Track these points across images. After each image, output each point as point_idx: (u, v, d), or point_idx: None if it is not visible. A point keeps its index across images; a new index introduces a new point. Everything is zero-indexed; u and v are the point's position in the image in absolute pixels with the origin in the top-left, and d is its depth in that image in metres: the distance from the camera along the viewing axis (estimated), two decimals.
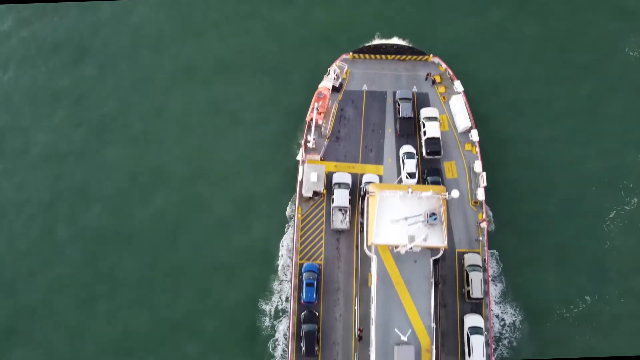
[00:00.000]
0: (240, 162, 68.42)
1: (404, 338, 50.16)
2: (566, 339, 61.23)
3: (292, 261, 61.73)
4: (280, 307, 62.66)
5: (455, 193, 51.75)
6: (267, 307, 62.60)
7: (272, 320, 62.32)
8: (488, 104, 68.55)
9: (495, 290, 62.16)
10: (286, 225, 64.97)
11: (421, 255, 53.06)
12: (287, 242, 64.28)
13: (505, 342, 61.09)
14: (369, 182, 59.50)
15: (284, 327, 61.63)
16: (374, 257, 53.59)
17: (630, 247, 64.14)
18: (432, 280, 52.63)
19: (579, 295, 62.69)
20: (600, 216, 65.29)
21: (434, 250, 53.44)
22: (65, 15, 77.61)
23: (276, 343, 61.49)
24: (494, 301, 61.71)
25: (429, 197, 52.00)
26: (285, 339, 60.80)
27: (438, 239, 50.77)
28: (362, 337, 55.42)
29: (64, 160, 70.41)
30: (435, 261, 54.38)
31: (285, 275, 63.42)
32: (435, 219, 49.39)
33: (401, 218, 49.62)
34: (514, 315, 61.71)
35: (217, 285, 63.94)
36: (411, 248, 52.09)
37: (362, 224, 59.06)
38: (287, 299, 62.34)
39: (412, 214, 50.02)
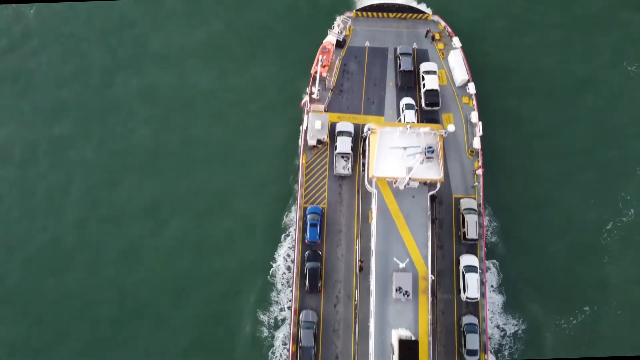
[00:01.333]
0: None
1: (402, 265, 53.41)
2: (565, 348, 62.38)
3: (292, 264, 63.59)
4: (279, 318, 63.73)
5: (451, 127, 54.75)
6: (266, 318, 63.73)
7: (271, 330, 63.52)
8: (486, 59, 71.48)
9: (496, 301, 63.49)
10: (282, 236, 65.84)
11: (419, 191, 56.33)
12: (285, 250, 65.41)
13: (506, 353, 62.57)
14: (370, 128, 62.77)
15: (282, 336, 62.84)
16: (374, 191, 56.81)
17: (628, 258, 65.55)
18: (429, 214, 55.85)
19: (579, 306, 63.86)
20: (599, 228, 66.57)
21: (431, 186, 56.65)
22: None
23: (275, 352, 62.53)
24: (496, 311, 63.32)
25: (427, 133, 55.19)
26: (285, 347, 61.95)
27: (435, 173, 54.00)
28: (363, 268, 58.85)
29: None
30: (433, 198, 57.59)
31: (283, 285, 64.52)
32: (432, 151, 52.49)
33: (400, 147, 52.71)
34: (516, 325, 63.19)
35: (216, 294, 64.80)
36: (408, 184, 55.33)
37: (363, 164, 62.31)
38: (288, 308, 63.33)
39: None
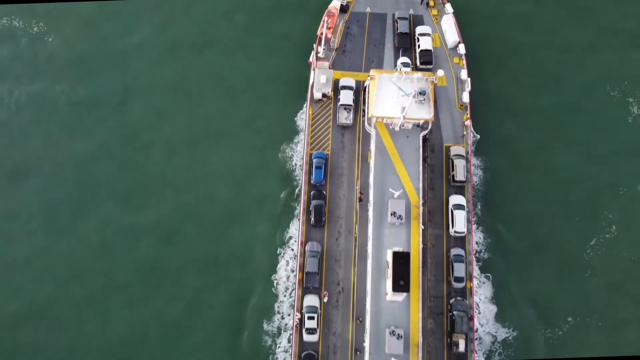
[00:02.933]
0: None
1: (397, 194, 60.73)
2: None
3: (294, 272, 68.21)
4: (282, 325, 67.13)
5: (440, 72, 62.01)
6: (269, 327, 67.12)
7: (274, 338, 66.87)
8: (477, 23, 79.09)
9: (489, 312, 67.49)
10: (282, 248, 69.79)
11: (412, 132, 63.88)
12: (286, 260, 69.29)
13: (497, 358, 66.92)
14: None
15: (284, 344, 66.28)
16: (373, 132, 64.26)
17: (609, 271, 69.81)
18: (420, 152, 63.24)
19: (563, 317, 67.92)
20: (583, 244, 70.74)
21: (423, 128, 63.89)
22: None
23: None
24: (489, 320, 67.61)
25: (419, 79, 62.68)
26: (287, 353, 65.46)
27: (426, 113, 61.47)
28: (362, 200, 66.34)
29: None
30: (424, 140, 64.90)
31: (285, 295, 68.36)
32: (423, 93, 59.69)
33: (396, 87, 60.05)
34: (507, 332, 67.19)
35: (216, 302, 68.30)
36: (403, 125, 62.62)
37: (364, 111, 69.69)
38: (288, 315, 67.10)
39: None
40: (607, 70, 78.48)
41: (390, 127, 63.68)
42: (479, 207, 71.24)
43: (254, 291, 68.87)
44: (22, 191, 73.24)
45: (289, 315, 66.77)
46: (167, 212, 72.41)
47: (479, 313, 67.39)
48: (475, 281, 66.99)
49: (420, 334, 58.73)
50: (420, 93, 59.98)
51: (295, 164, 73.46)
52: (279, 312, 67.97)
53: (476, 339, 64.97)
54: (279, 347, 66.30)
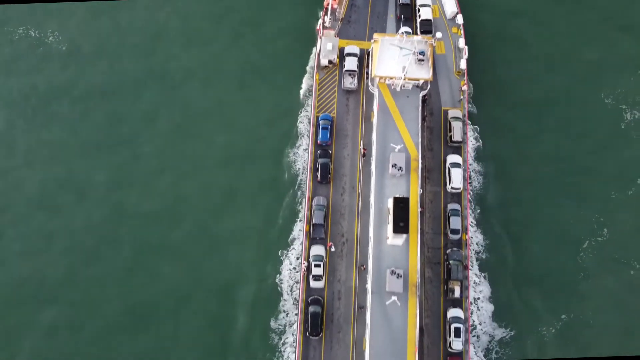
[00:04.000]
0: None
1: (397, 148, 65.71)
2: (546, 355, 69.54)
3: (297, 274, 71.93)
4: (287, 322, 70.08)
5: (438, 34, 66.91)
6: (276, 325, 70.10)
7: (280, 335, 69.78)
8: None
9: (486, 312, 70.72)
10: (285, 250, 73.19)
11: (412, 92, 68.95)
12: (289, 262, 72.66)
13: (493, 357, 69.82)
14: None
15: (290, 340, 69.27)
16: (376, 91, 69.20)
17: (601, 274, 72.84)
18: (420, 110, 68.27)
19: (557, 315, 71.00)
20: (576, 244, 73.85)
21: (422, 88, 68.89)
22: None
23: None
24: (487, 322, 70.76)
25: (419, 41, 67.69)
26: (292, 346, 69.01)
27: (425, 73, 66.49)
28: (366, 155, 71.40)
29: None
30: (423, 100, 69.84)
31: (290, 293, 71.51)
32: (423, 53, 64.58)
33: (397, 46, 64.98)
34: (504, 332, 70.10)
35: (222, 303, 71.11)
36: (404, 86, 67.52)
37: (367, 73, 74.53)
38: (296, 314, 69.62)
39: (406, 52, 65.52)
40: None
41: (392, 87, 68.63)
42: (478, 210, 74.46)
43: (257, 293, 71.79)
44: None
45: (295, 314, 69.72)
46: (165, 207, 75.20)
47: (478, 309, 70.54)
48: (473, 279, 70.67)
49: (418, 275, 63.83)
50: (419, 53, 64.89)
51: (299, 169, 76.50)
52: (284, 311, 70.91)
53: (471, 304, 69.86)
54: (285, 343, 69.56)
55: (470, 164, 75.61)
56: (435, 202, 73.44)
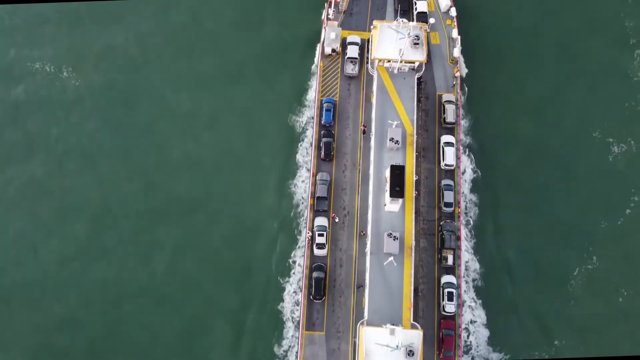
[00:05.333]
0: None
1: (395, 124, 71.93)
2: None
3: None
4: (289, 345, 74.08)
5: (432, 20, 73.47)
6: (279, 351, 73.80)
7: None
8: None
9: (482, 337, 74.23)
10: (298, 241, 77.93)
11: (408, 74, 75.43)
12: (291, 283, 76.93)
13: None
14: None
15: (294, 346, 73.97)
16: (375, 73, 75.74)
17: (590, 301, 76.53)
18: (415, 90, 74.73)
19: (550, 341, 74.66)
20: (567, 272, 77.33)
21: (417, 70, 75.23)
22: None
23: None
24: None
25: (414, 27, 74.30)
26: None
27: (420, 55, 73.01)
28: (365, 132, 77.56)
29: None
30: (419, 82, 76.12)
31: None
32: (417, 37, 71.04)
33: (395, 31, 71.50)
34: (499, 356, 73.54)
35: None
36: (400, 69, 73.81)
37: (367, 58, 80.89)
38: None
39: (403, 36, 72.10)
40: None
41: (390, 70, 75.00)
42: (474, 241, 78.14)
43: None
44: None
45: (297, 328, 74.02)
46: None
47: (473, 334, 74.33)
48: (468, 303, 74.89)
49: (413, 239, 69.53)
50: (415, 37, 71.42)
51: (300, 200, 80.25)
52: (286, 337, 74.38)
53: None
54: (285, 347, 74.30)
55: (465, 193, 79.85)
56: (430, 177, 79.26)
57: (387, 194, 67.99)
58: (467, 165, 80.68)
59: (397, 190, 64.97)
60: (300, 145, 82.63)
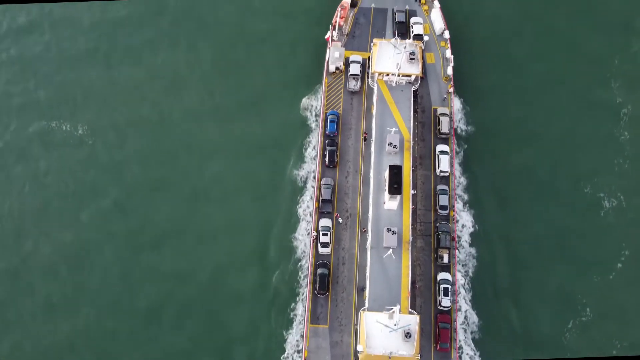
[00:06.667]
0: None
1: (393, 130, 78.83)
2: None
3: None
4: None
5: (426, 37, 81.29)
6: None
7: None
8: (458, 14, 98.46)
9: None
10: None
11: (405, 87, 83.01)
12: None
13: None
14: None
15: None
16: (375, 86, 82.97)
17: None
18: (412, 101, 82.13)
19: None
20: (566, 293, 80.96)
21: (413, 83, 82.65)
22: None
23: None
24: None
25: (410, 44, 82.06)
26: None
27: (415, 69, 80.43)
28: (367, 139, 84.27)
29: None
30: (415, 94, 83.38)
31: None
32: (413, 53, 78.58)
33: (393, 47, 79.06)
34: None
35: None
36: (398, 82, 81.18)
37: (368, 73, 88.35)
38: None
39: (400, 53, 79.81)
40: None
41: (389, 83, 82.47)
42: (471, 294, 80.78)
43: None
44: None
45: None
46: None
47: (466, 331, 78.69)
48: (467, 352, 77.92)
49: (411, 235, 75.29)
50: (410, 53, 79.00)
51: (301, 253, 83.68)
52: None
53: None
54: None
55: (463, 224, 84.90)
56: (427, 183, 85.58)
57: (387, 193, 74.18)
58: (466, 220, 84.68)
59: (395, 188, 71.29)
60: (301, 198, 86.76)
